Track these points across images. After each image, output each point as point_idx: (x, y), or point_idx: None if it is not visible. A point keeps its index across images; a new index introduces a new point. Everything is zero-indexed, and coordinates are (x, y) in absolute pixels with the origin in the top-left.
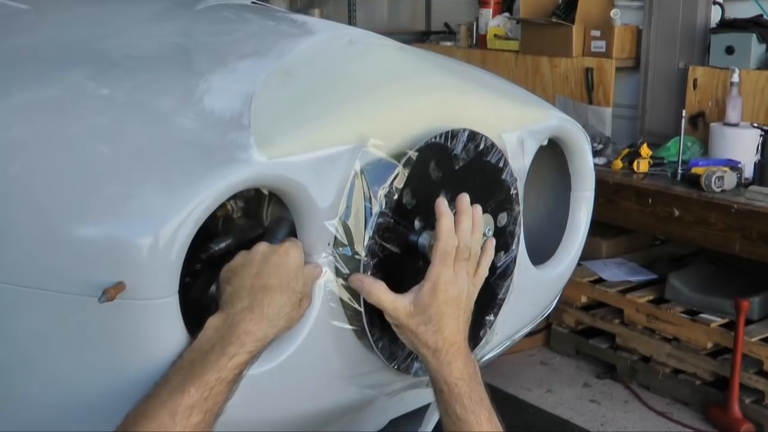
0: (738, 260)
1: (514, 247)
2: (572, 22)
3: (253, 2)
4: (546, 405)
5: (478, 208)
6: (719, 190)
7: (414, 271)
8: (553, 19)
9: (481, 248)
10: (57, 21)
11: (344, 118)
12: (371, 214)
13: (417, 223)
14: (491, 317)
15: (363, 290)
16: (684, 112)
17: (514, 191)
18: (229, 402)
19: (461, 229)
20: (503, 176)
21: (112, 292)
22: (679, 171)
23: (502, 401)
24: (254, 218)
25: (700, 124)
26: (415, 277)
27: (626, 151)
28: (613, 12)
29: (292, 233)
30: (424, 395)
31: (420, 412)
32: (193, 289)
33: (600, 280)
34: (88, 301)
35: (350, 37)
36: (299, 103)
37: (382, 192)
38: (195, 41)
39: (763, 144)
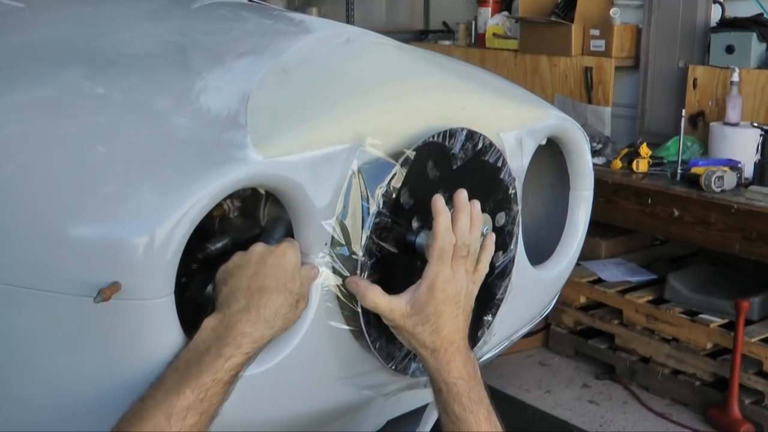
0: (738, 260)
1: (512, 247)
2: (571, 20)
3: (249, 0)
4: (545, 406)
5: (477, 204)
6: (719, 189)
7: (412, 270)
8: (552, 18)
9: (481, 245)
10: (52, 19)
11: (341, 117)
12: (369, 213)
13: (415, 223)
14: (489, 317)
15: (358, 294)
16: (684, 111)
17: (513, 191)
18: (226, 403)
19: (459, 227)
20: (501, 176)
21: (107, 292)
22: (679, 171)
23: (500, 402)
24: (251, 218)
25: (699, 123)
26: (412, 277)
27: (625, 150)
28: (612, 11)
29: (289, 233)
30: (422, 396)
31: (418, 413)
32: (189, 290)
33: (599, 281)
34: (84, 302)
35: (348, 36)
36: (296, 102)
37: (379, 191)
38: (191, 40)
39: (763, 144)
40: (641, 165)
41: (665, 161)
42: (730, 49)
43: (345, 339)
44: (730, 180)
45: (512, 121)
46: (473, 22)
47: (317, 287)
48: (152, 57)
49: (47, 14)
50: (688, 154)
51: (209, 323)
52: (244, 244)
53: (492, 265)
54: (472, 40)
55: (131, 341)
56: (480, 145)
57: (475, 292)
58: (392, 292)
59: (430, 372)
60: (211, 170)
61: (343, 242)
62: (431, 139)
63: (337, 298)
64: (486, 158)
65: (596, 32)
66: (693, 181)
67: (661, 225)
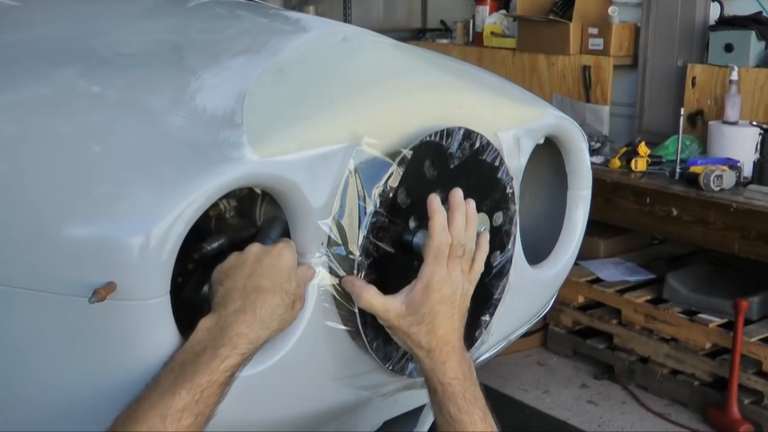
0: (737, 260)
1: (510, 247)
2: (569, 19)
3: None
4: (543, 406)
5: (472, 203)
6: (718, 189)
7: (409, 270)
8: (551, 17)
9: (476, 244)
10: (47, 18)
11: (338, 116)
12: (365, 213)
13: (412, 223)
14: (487, 317)
15: (354, 294)
16: (682, 110)
17: (510, 190)
18: (222, 403)
19: (455, 226)
20: (499, 175)
21: (102, 292)
22: (678, 170)
23: (498, 402)
24: (247, 217)
25: (698, 122)
26: (409, 276)
27: (624, 149)
28: (610, 9)
29: (286, 233)
30: (419, 396)
31: (415, 413)
32: (185, 290)
33: (597, 280)
34: (79, 302)
35: (344, 35)
36: (292, 101)
37: (376, 191)
38: (187, 38)
39: (762, 142)
40: (640, 164)
41: (664, 160)
42: (728, 48)
43: (342, 339)
44: (729, 179)
45: (510, 120)
46: (471, 21)
47: (314, 287)
48: (148, 56)
49: (42, 13)
50: (687, 153)
51: (205, 324)
52: (241, 244)
53: (489, 265)
54: (470, 39)
55: (126, 342)
56: (477, 145)
57: (471, 292)
58: (389, 292)
59: (425, 372)
60: (207, 170)
61: (340, 242)
62: (428, 139)
63: (334, 298)
64: (483, 157)
65: (594, 31)
66: (692, 180)
67: (660, 224)
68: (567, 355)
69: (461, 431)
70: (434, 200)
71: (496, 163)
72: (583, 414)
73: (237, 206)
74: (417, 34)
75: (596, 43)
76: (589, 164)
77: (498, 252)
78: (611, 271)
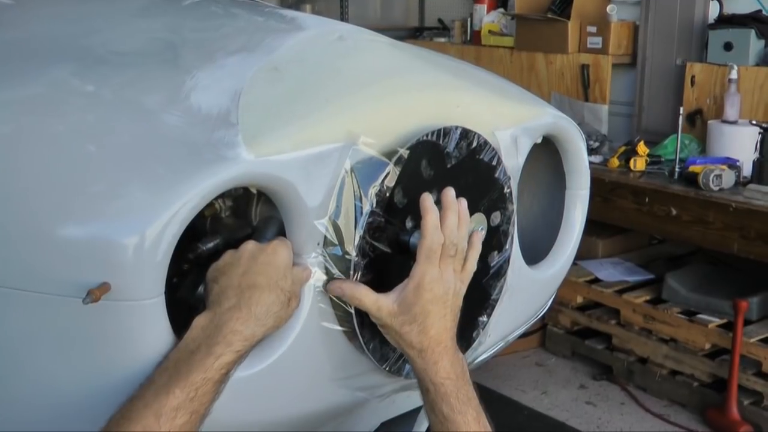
0: (736, 260)
1: (507, 247)
2: (568, 17)
3: None
4: (541, 407)
5: (464, 202)
6: (717, 188)
7: (405, 271)
8: (549, 15)
9: (468, 242)
10: (41, 16)
11: (334, 115)
12: (362, 213)
13: (408, 223)
14: (484, 318)
15: (344, 296)
16: (681, 109)
17: (508, 190)
18: (218, 404)
19: (447, 225)
20: (496, 174)
21: (96, 293)
22: (677, 169)
23: (496, 403)
24: (243, 217)
25: (697, 121)
26: (406, 277)
27: (623, 149)
28: (609, 7)
29: (282, 233)
30: (416, 397)
31: (412, 414)
32: (180, 290)
33: (596, 280)
34: (73, 302)
35: (340, 33)
36: (288, 100)
37: (372, 191)
38: (182, 37)
39: (762, 142)
40: (638, 163)
41: (663, 159)
42: (728, 46)
43: (338, 340)
44: (728, 178)
45: (507, 119)
46: (469, 19)
47: (310, 288)
48: (142, 54)
49: (36, 11)
50: (686, 153)
51: (199, 322)
52: (236, 244)
53: (487, 265)
54: (468, 38)
55: (121, 342)
56: (475, 144)
57: (463, 292)
58: (385, 293)
59: (417, 372)
60: (202, 169)
61: (336, 242)
62: (425, 138)
63: (330, 298)
64: (481, 157)
65: (593, 29)
66: (691, 179)
67: (659, 224)
68: (565, 355)
69: (454, 431)
70: (427, 199)
71: (494, 163)
72: (581, 415)
73: (232, 206)
74: (414, 33)
75: (595, 42)
76: (587, 163)
77: (495, 252)
78: (610, 271)
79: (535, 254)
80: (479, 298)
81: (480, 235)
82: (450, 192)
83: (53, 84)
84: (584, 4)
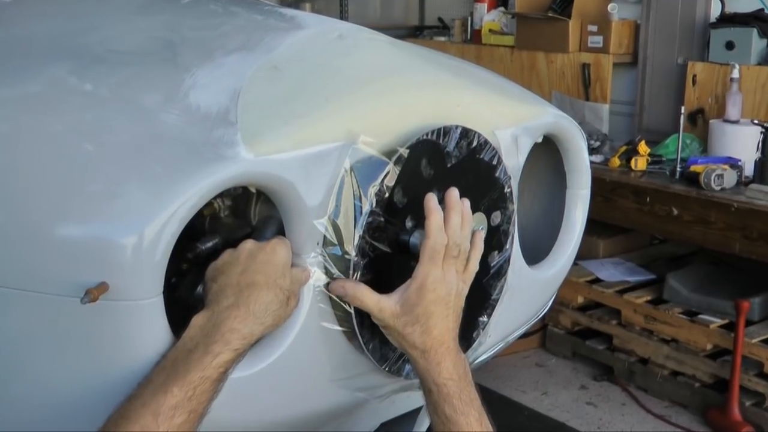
0: (738, 260)
1: (508, 247)
2: (569, 16)
3: None
4: (541, 408)
5: (467, 202)
6: (719, 188)
7: (405, 271)
8: (549, 14)
9: (470, 243)
10: (39, 14)
11: (334, 114)
12: (361, 212)
13: (408, 222)
14: (484, 318)
15: (346, 296)
16: (683, 108)
17: (508, 189)
18: (217, 404)
19: (450, 226)
20: (497, 174)
21: (94, 293)
22: (678, 169)
23: (496, 404)
24: (242, 217)
25: (699, 120)
26: (406, 277)
27: (624, 148)
28: (610, 6)
29: (281, 232)
30: (416, 398)
31: (412, 415)
32: (179, 290)
33: (597, 280)
34: (71, 302)
35: (340, 32)
36: (287, 99)
37: (372, 190)
38: (181, 35)
39: (764, 141)
40: (640, 163)
41: (664, 159)
42: (730, 45)
43: (338, 340)
44: (730, 178)
45: (508, 118)
46: (469, 18)
47: (309, 288)
48: (141, 53)
49: (34, 9)
50: (688, 152)
51: (197, 321)
52: (235, 244)
53: (487, 265)
54: (468, 37)
55: (119, 343)
56: (475, 143)
57: (465, 292)
58: (385, 293)
59: (420, 373)
60: (201, 168)
61: (336, 242)
62: (425, 137)
63: (330, 298)
64: (481, 156)
65: (594, 28)
66: (692, 179)
67: (660, 224)
68: (566, 356)
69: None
70: (431, 199)
71: (494, 162)
72: (582, 416)
73: (231, 205)
74: (414, 32)
75: (596, 41)
76: (588, 163)
77: (496, 252)
78: (611, 272)
79: (535, 254)
80: (479, 298)
81: (482, 235)
82: (454, 192)
83: (51, 82)
84: (585, 2)
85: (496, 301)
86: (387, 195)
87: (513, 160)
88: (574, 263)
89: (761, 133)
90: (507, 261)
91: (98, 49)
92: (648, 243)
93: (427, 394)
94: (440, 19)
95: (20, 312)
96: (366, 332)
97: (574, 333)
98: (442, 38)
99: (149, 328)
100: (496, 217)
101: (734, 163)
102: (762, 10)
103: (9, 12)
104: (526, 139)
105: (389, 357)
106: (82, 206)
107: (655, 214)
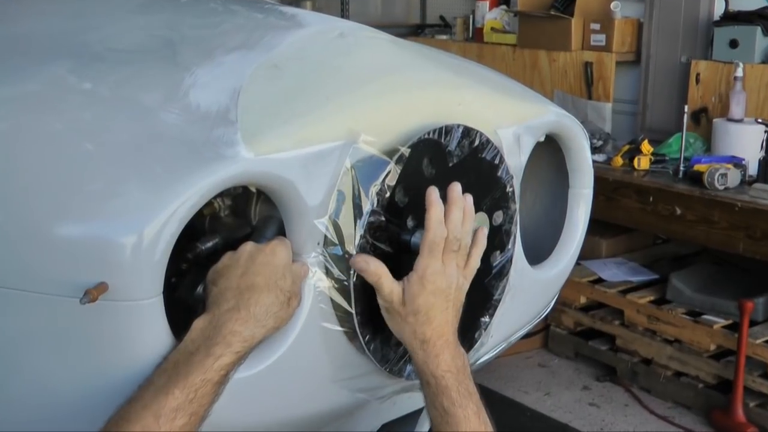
0: (742, 260)
1: (510, 247)
2: (571, 14)
3: None
4: (544, 408)
5: (469, 198)
6: (722, 187)
7: (406, 270)
8: (552, 12)
9: (473, 239)
10: (38, 12)
11: (334, 113)
12: (362, 212)
13: (410, 222)
14: (487, 318)
15: (367, 270)
16: (686, 107)
17: (510, 189)
18: (218, 405)
19: (451, 220)
20: (499, 173)
21: (93, 293)
22: (681, 168)
23: (498, 404)
24: (242, 217)
25: (702, 119)
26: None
27: (627, 147)
28: (613, 4)
29: (281, 232)
30: (417, 399)
31: (413, 416)
32: (179, 290)
33: (599, 280)
34: (70, 303)
35: (341, 30)
36: (288, 97)
37: (373, 190)
38: (181, 34)
39: None
40: (642, 162)
41: (667, 158)
42: (733, 44)
43: (339, 341)
44: (733, 177)
45: (510, 117)
46: (471, 16)
47: (310, 288)
48: (140, 51)
49: (33, 7)
50: (691, 151)
51: (199, 324)
52: (235, 244)
53: (489, 265)
54: (470, 35)
55: (119, 343)
56: (477, 142)
57: (466, 287)
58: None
59: (418, 365)
60: (201, 168)
61: (336, 242)
62: (426, 136)
63: (331, 299)
64: (483, 155)
65: (596, 26)
66: (696, 178)
67: (663, 223)
68: (568, 356)
69: (454, 425)
70: (432, 193)
71: (496, 161)
72: (585, 416)
73: (231, 205)
74: (416, 30)
75: (598, 39)
76: (590, 162)
77: (498, 252)
78: (613, 272)
79: (537, 254)
80: (481, 298)
81: (484, 232)
82: (456, 187)
83: (50, 81)
84: (588, 0)
85: (498, 301)
86: (388, 194)
87: (515, 159)
88: (577, 263)
89: (765, 131)
90: (509, 261)
91: (98, 47)
92: (651, 243)
93: (425, 386)
94: (442, 18)
95: (19, 312)
96: (367, 332)
97: (576, 333)
98: (444, 37)
99: (149, 329)
100: (498, 216)
101: (738, 162)
102: (766, 8)
103: (8, 10)
104: (529, 138)
105: (390, 358)
106: (82, 205)
107: (658, 213)
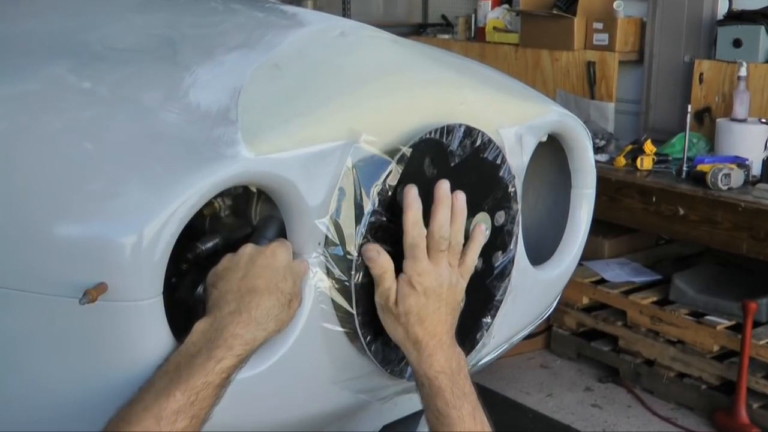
0: (745, 260)
1: (512, 247)
2: (574, 14)
3: None
4: (546, 410)
5: (461, 195)
6: (726, 187)
7: None
8: (554, 11)
9: (470, 236)
10: (37, 11)
11: (335, 112)
12: (364, 212)
13: None
14: (488, 319)
15: (375, 263)
16: (689, 107)
17: (512, 189)
18: (218, 405)
19: (437, 220)
20: (501, 173)
21: (93, 293)
22: (684, 168)
23: (500, 405)
24: (242, 217)
25: (706, 119)
26: None
27: (629, 147)
28: (616, 4)
29: (282, 232)
30: (418, 400)
31: (415, 417)
32: (179, 290)
33: (602, 281)
34: (70, 303)
35: (342, 29)
36: (289, 97)
37: (375, 189)
38: (181, 33)
39: None
40: (645, 162)
41: (670, 158)
42: (737, 43)
43: (339, 341)
44: (737, 177)
45: (512, 117)
46: (473, 16)
47: (311, 289)
48: (140, 51)
49: (32, 6)
50: (694, 151)
51: (200, 326)
52: (236, 244)
53: (491, 266)
54: (472, 34)
55: (118, 343)
56: (479, 142)
57: (463, 285)
58: None
59: (413, 366)
60: (201, 167)
61: (338, 242)
62: (428, 136)
63: (332, 299)
64: (485, 155)
65: (599, 26)
66: (699, 178)
67: (666, 224)
68: (571, 357)
69: (448, 425)
70: (409, 192)
71: (498, 161)
72: (587, 418)
73: (232, 205)
74: (418, 29)
75: (601, 39)
76: (593, 162)
77: (500, 252)
78: (616, 272)
79: (540, 254)
80: (483, 299)
81: (482, 228)
82: (442, 185)
83: (49, 81)
84: (590, 0)
85: (500, 302)
86: (390, 194)
87: (517, 159)
88: (579, 263)
89: None
90: (511, 261)
91: (97, 46)
92: (654, 243)
93: (420, 388)
94: (444, 17)
95: (18, 313)
96: (368, 333)
97: (579, 334)
98: (446, 36)
99: (149, 329)
100: (500, 216)
101: (741, 163)
102: None
103: (8, 9)
104: (531, 138)
105: (392, 358)
106: (81, 205)
107: (661, 213)
